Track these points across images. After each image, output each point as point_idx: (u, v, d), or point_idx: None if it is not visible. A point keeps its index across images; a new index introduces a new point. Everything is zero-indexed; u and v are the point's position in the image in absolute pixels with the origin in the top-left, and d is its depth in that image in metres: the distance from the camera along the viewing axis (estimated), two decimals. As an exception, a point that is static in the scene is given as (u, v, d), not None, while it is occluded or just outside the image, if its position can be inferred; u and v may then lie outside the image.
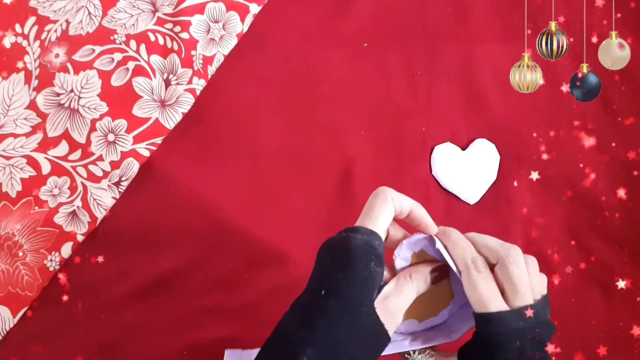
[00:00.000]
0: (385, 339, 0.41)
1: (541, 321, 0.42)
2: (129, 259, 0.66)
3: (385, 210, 0.43)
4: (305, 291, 0.43)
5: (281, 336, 0.41)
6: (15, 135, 0.65)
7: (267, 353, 0.41)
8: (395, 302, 0.42)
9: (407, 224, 0.47)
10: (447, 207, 0.71)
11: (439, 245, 0.44)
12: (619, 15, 0.73)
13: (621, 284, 0.69)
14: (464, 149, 0.72)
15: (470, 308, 0.44)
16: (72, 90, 0.66)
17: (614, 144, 0.72)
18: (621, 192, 0.71)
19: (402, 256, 0.45)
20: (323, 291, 0.41)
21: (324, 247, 0.43)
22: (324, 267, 0.42)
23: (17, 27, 0.67)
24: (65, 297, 0.64)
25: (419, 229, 0.46)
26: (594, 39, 0.72)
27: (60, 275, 0.64)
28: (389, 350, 0.43)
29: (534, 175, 0.71)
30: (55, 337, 0.64)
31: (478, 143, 0.72)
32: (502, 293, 0.42)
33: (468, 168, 0.71)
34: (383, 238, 0.43)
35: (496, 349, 0.41)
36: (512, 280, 0.42)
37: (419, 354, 0.45)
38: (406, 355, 0.45)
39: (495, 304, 0.42)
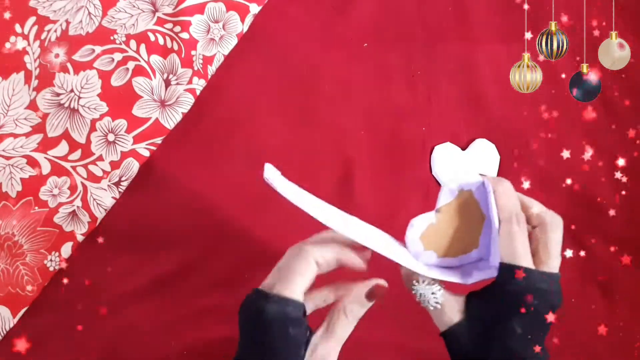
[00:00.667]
0: None
1: (556, 291, 0.43)
2: (128, 259, 0.66)
3: (304, 275, 0.43)
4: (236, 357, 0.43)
5: None
6: (15, 135, 0.65)
7: None
8: (324, 350, 0.42)
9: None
10: (447, 207, 0.71)
11: (489, 189, 0.45)
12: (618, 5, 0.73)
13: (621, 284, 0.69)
14: (464, 149, 0.72)
15: (486, 263, 0.45)
16: (72, 90, 0.66)
17: (614, 144, 0.72)
18: (621, 193, 0.71)
19: (448, 191, 0.45)
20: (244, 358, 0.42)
21: (241, 316, 0.43)
22: (246, 340, 0.42)
23: (17, 27, 0.67)
24: (65, 297, 0.64)
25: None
26: (596, 33, 0.72)
27: (60, 275, 0.64)
28: (404, 263, 0.44)
29: (535, 175, 0.72)
30: (55, 337, 0.64)
31: (478, 143, 0.72)
32: (533, 255, 0.43)
33: (468, 168, 0.71)
34: (302, 296, 0.42)
35: (514, 302, 0.41)
36: (548, 245, 0.43)
37: (427, 284, 0.44)
38: (414, 283, 0.44)
39: (526, 259, 0.42)
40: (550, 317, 0.42)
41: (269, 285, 0.43)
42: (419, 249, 0.46)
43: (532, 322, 0.42)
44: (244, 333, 0.43)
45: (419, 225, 0.45)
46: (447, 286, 0.46)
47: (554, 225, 0.44)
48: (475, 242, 0.47)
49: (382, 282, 0.44)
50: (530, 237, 0.44)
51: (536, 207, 0.46)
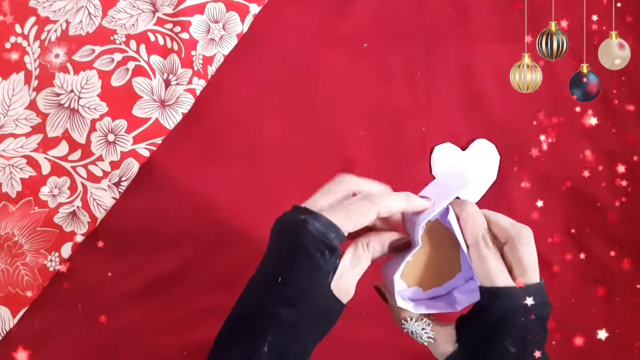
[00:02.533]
0: (340, 308, 0.43)
1: (543, 300, 0.43)
2: (128, 259, 0.66)
3: (362, 219, 0.43)
4: (261, 268, 0.44)
5: (241, 323, 0.43)
6: (15, 136, 0.65)
7: (231, 340, 0.43)
8: (349, 278, 0.43)
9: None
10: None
11: (451, 216, 0.44)
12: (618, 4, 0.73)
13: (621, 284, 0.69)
14: (464, 149, 0.72)
15: (475, 282, 0.45)
16: (72, 91, 0.66)
17: (613, 144, 0.72)
18: (621, 192, 0.71)
19: (418, 223, 0.45)
20: (280, 279, 0.42)
21: (280, 227, 0.44)
22: (279, 252, 0.43)
23: (17, 28, 0.66)
24: (65, 297, 0.64)
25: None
26: (594, 27, 0.72)
27: (60, 276, 0.64)
28: (397, 302, 0.44)
29: (535, 175, 0.72)
30: (55, 337, 0.64)
31: (478, 143, 0.72)
32: (510, 271, 0.43)
33: (468, 168, 0.71)
34: (350, 232, 0.43)
35: (501, 323, 0.42)
36: (521, 259, 0.43)
37: (415, 321, 0.45)
38: (403, 322, 0.45)
39: (503, 278, 0.42)
40: (542, 326, 0.42)
41: (315, 206, 0.44)
42: (403, 288, 0.47)
43: (524, 337, 0.42)
44: (278, 249, 0.43)
45: (395, 266, 0.45)
46: (440, 316, 0.46)
47: (523, 239, 0.43)
48: (457, 265, 0.47)
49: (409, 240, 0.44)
50: (503, 253, 0.44)
51: (502, 222, 0.45)
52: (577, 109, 0.72)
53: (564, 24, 0.72)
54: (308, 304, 0.41)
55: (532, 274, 0.43)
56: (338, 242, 0.42)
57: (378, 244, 0.44)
